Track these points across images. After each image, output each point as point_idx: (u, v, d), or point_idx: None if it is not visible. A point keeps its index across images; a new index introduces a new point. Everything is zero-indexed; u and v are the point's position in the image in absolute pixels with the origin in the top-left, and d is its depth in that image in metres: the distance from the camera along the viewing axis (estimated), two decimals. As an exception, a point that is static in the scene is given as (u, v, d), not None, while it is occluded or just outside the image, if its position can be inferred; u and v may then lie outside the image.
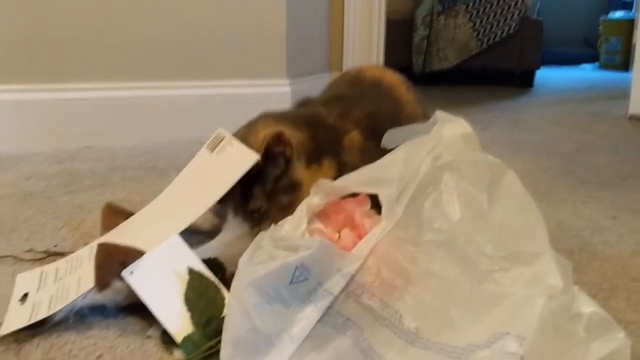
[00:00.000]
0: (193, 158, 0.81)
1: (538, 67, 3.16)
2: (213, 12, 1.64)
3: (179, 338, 0.57)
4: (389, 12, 2.21)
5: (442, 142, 0.53)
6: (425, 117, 0.86)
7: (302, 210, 0.55)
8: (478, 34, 3.01)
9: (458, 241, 0.49)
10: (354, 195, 0.59)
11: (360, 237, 0.50)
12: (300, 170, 0.75)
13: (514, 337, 0.41)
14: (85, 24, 1.53)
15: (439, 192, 0.51)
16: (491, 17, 2.99)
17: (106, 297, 0.63)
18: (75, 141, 1.52)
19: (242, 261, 0.49)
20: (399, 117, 0.87)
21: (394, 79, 0.96)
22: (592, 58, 4.53)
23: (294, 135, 0.76)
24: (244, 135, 0.78)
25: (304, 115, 0.84)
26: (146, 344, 0.60)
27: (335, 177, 0.75)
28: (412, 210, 0.51)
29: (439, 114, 0.58)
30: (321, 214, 0.55)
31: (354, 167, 0.79)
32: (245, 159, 0.72)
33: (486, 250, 0.49)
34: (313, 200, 0.56)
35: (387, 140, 0.59)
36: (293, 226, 0.55)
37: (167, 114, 1.62)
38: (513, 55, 3.04)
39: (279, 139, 0.72)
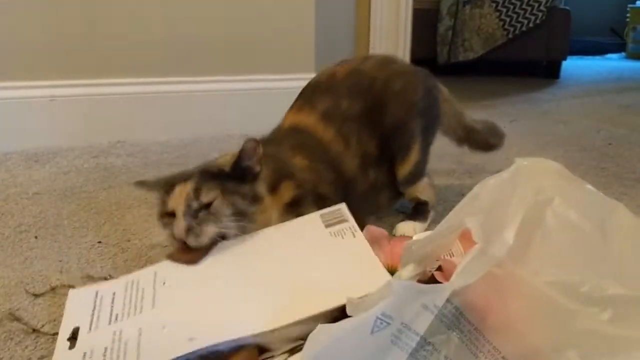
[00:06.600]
0: (298, 219, 0.73)
1: (565, 58, 3.10)
2: (243, 8, 1.64)
3: None
4: (414, 2, 2.18)
5: (535, 179, 0.50)
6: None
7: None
8: (504, 24, 2.96)
9: (569, 280, 0.45)
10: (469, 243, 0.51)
11: None
12: (262, 188, 0.76)
13: None
14: (117, 20, 1.54)
15: (545, 229, 0.47)
16: (517, 6, 2.94)
17: None
18: (107, 136, 1.54)
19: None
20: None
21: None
22: (619, 48, 4.43)
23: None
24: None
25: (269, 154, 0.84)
26: None
27: (298, 195, 0.79)
28: (516, 245, 0.46)
29: (519, 161, 0.52)
30: (461, 236, 0.52)
31: (311, 184, 0.82)
32: (373, 271, 0.61)
33: (603, 289, 0.44)
34: (402, 274, 0.53)
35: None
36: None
37: (196, 109, 1.64)
38: (540, 45, 2.99)
39: (255, 148, 0.74)
